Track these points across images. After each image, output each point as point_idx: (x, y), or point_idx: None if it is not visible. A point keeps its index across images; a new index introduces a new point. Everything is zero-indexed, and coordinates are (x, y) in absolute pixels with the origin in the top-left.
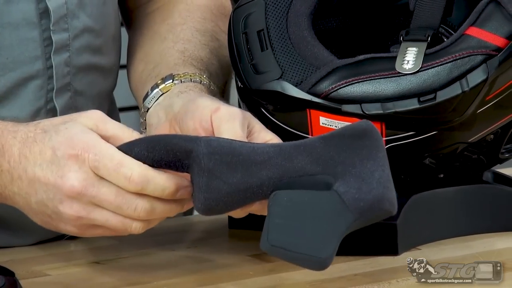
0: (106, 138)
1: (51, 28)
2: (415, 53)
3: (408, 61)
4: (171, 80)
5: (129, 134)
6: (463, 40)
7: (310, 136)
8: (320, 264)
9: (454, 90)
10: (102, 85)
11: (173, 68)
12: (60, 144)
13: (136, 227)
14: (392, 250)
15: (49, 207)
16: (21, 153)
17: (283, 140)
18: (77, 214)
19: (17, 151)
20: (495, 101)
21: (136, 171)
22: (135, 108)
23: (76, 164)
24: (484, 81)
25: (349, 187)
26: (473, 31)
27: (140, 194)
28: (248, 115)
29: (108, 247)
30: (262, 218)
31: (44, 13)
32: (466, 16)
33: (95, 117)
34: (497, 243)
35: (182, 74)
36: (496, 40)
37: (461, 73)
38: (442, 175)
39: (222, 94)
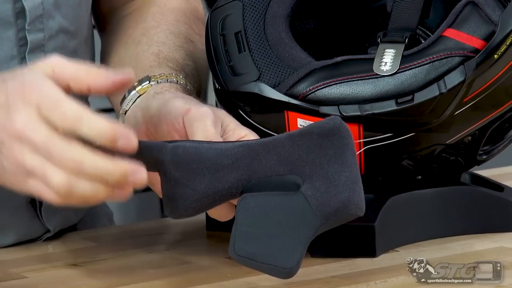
0: (65, 81)
1: (26, 28)
2: (393, 54)
3: (385, 62)
4: (147, 82)
5: (85, 72)
6: (441, 42)
7: None
8: (286, 274)
9: (432, 91)
10: None
11: (149, 70)
12: (13, 89)
13: (59, 179)
14: (370, 252)
15: None
16: None
17: None
18: (14, 157)
19: None
20: (473, 102)
21: (71, 108)
22: (111, 110)
23: (21, 105)
24: (462, 82)
25: (315, 190)
26: (451, 33)
27: (70, 143)
28: (222, 113)
29: (85, 249)
30: None
31: (20, 13)
32: (443, 18)
33: (53, 61)
34: (475, 245)
35: (158, 75)
36: (473, 41)
37: (438, 74)
38: (420, 177)
39: (199, 94)
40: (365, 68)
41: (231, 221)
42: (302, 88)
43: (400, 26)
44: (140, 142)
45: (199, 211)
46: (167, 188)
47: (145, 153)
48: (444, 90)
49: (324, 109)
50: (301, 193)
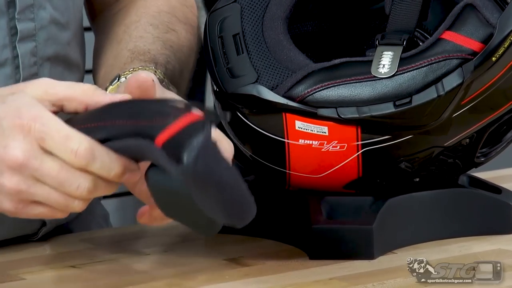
0: (59, 101)
1: (16, 16)
2: (391, 57)
3: (383, 65)
4: (117, 80)
5: (81, 91)
6: (439, 44)
7: (286, 141)
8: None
9: (430, 94)
10: (69, 79)
11: (123, 68)
12: (6, 114)
13: (78, 205)
14: (368, 254)
15: None
16: None
17: (260, 146)
18: (17, 187)
19: None
20: (471, 105)
21: (84, 145)
22: None
23: (21, 134)
24: (460, 85)
25: None
26: (449, 35)
27: (84, 172)
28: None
29: (84, 251)
30: None
31: (12, 2)
32: (441, 20)
33: (43, 83)
34: (473, 247)
35: (128, 71)
36: (471, 44)
37: (436, 77)
38: (418, 179)
39: (176, 83)
40: (363, 70)
41: None
42: (300, 90)
43: (398, 29)
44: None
45: None
46: None
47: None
48: (442, 93)
49: (322, 112)
50: None
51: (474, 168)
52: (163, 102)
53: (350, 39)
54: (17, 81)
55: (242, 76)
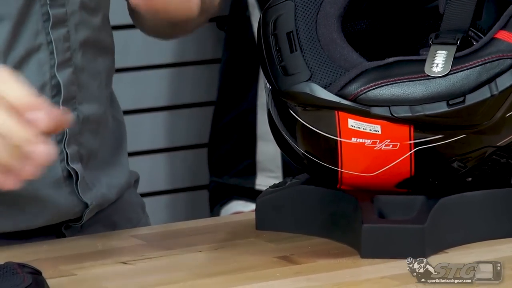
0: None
1: (48, 2)
2: (445, 56)
3: (437, 64)
4: None
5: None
6: (493, 44)
7: (339, 139)
8: None
9: (483, 93)
10: (102, 63)
11: None
12: None
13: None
14: (420, 253)
15: None
16: None
17: (312, 144)
18: None
19: None
20: None
21: None
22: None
23: None
24: None
25: None
26: (503, 35)
27: None
28: None
29: (134, 247)
30: (290, 219)
31: None
32: (495, 20)
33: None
34: None
35: None
36: None
37: (490, 76)
38: (470, 179)
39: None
40: (416, 69)
41: (282, 221)
42: (353, 88)
43: (452, 28)
44: None
45: None
46: None
47: None
48: (495, 92)
49: (375, 110)
50: None
51: None
52: None
53: (403, 38)
54: (52, 66)
55: (295, 74)
